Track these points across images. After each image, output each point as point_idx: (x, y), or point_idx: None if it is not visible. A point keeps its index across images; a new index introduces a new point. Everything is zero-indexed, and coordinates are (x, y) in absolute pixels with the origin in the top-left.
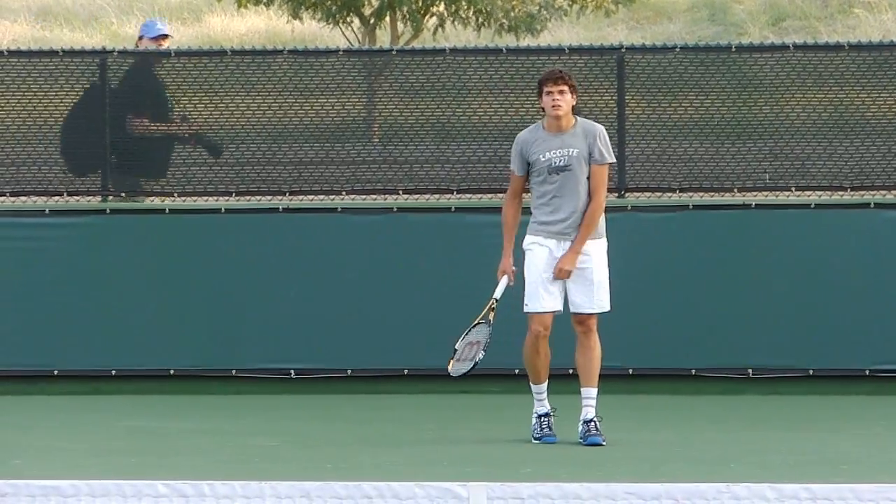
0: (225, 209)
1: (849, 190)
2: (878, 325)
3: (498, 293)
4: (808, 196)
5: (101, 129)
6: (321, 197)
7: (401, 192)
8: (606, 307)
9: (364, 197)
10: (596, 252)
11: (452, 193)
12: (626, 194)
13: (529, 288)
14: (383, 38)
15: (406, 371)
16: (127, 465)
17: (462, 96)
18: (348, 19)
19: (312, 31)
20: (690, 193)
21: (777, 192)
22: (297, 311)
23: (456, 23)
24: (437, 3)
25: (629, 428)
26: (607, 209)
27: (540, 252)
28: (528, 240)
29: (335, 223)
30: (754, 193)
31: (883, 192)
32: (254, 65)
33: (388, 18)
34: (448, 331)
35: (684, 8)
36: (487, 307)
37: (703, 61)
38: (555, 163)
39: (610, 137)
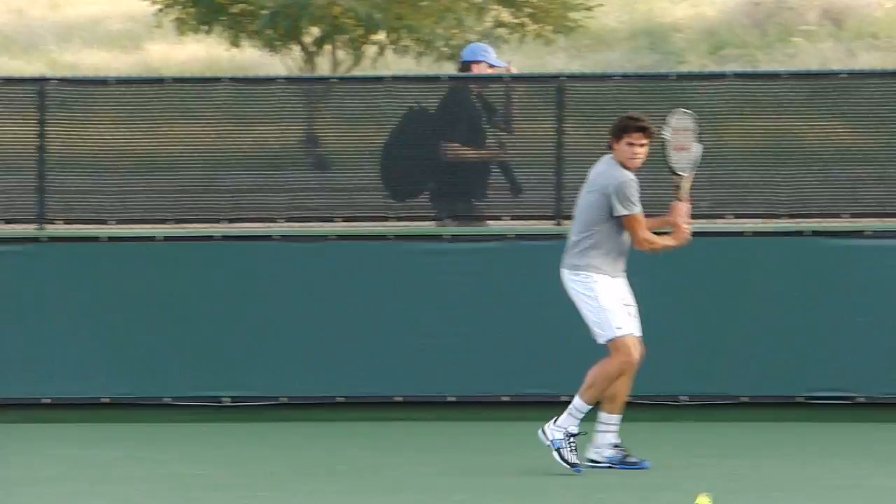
0: (162, 237)
1: (785, 217)
2: (810, 353)
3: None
4: (745, 223)
5: (420, 154)
6: (259, 224)
7: (339, 219)
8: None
9: (302, 224)
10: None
11: (391, 221)
12: (563, 222)
13: (612, 314)
14: (323, 66)
15: (341, 398)
16: (60, 493)
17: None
18: (288, 47)
19: (252, 58)
20: None
21: (714, 220)
22: (232, 338)
23: (396, 51)
24: (378, 31)
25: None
26: (544, 237)
27: (613, 282)
28: (595, 277)
29: (272, 251)
30: (691, 221)
31: (819, 219)
32: (193, 92)
33: (328, 46)
34: (383, 358)
35: (624, 36)
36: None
37: (643, 89)
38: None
39: (548, 165)
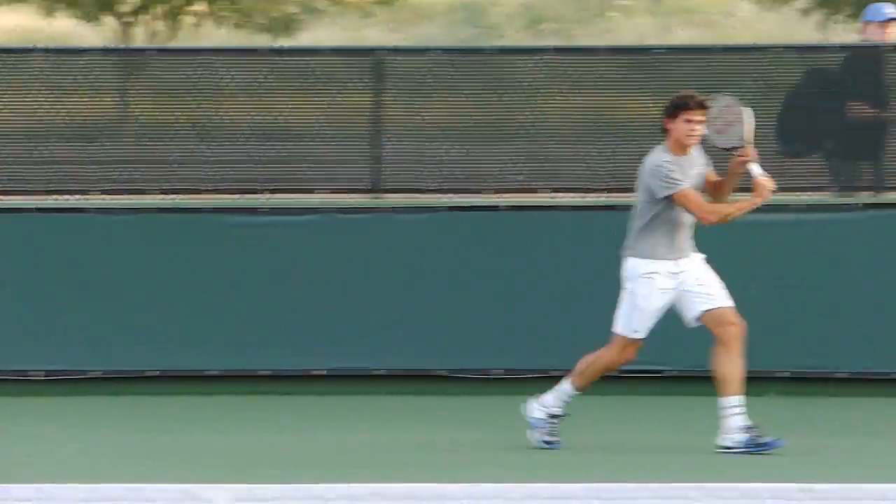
0: None
1: (601, 192)
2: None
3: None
4: (562, 198)
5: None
6: (75, 197)
7: (156, 192)
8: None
9: (117, 196)
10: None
11: (209, 194)
12: (381, 195)
13: (643, 317)
14: (140, 37)
15: (158, 372)
16: None
17: (219, 96)
18: (103, 17)
19: (66, 29)
20: (445, 195)
21: (531, 194)
22: (49, 313)
23: (214, 22)
24: (196, 2)
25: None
26: (364, 210)
27: (661, 282)
28: (649, 266)
29: (87, 223)
30: (508, 195)
31: (632, 194)
32: (6, 63)
33: (145, 16)
34: (205, 330)
35: (442, 10)
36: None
37: (461, 63)
38: (695, 186)
39: (366, 138)
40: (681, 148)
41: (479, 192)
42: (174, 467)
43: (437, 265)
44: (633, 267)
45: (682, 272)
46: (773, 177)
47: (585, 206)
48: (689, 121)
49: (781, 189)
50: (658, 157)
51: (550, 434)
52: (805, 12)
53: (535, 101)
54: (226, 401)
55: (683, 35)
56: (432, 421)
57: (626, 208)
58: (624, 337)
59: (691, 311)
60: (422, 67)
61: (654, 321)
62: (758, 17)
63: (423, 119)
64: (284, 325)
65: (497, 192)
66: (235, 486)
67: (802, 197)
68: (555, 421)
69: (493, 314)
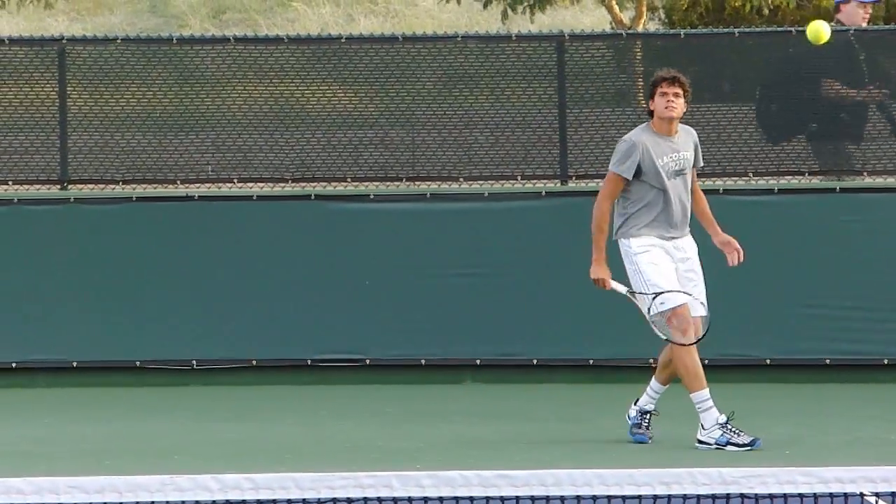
0: None
1: (290, 182)
2: (319, 317)
3: (622, 289)
4: (251, 188)
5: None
6: None
7: (10, 182)
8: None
9: None
10: (693, 244)
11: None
12: (70, 186)
13: (658, 279)
14: None
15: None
16: None
17: None
18: None
19: None
20: (134, 185)
21: (220, 184)
22: None
23: None
24: None
25: (77, 420)
26: (49, 202)
27: (661, 250)
28: (643, 241)
29: None
30: (197, 185)
31: (323, 183)
32: None
33: None
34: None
35: (125, 0)
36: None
37: (146, 53)
38: (671, 167)
39: (52, 129)
40: (663, 126)
41: (168, 182)
42: None
43: (124, 255)
44: (621, 248)
45: (679, 251)
46: None
47: (275, 196)
48: (663, 94)
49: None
50: (628, 135)
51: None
52: (485, 4)
53: (220, 90)
54: None
55: (367, 24)
56: None
57: (320, 198)
58: (663, 315)
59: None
60: (106, 57)
61: (676, 282)
62: (440, 7)
63: (109, 109)
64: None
65: (185, 182)
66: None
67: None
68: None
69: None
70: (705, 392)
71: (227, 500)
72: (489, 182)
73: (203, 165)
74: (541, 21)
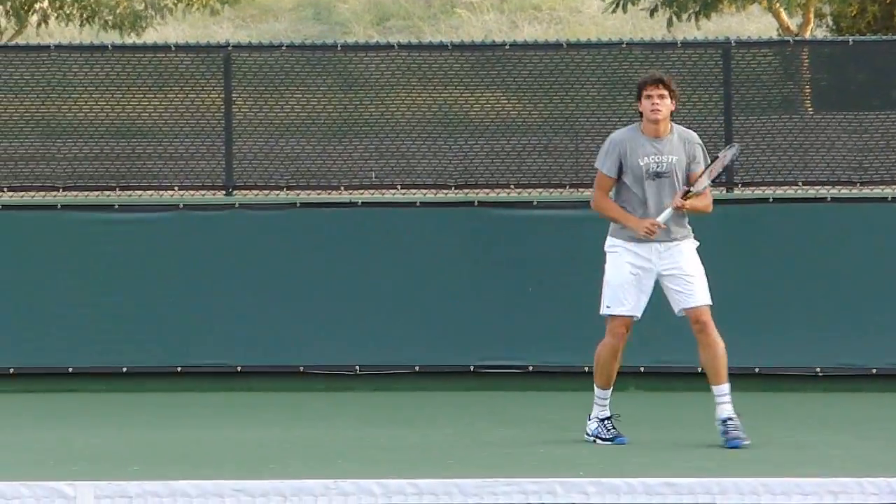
0: None
1: (453, 188)
2: (482, 323)
3: (667, 213)
4: (414, 194)
5: None
6: None
7: (5, 189)
8: (709, 300)
9: None
10: (687, 249)
11: (58, 191)
12: (234, 192)
13: (612, 290)
14: None
15: (11, 371)
16: None
17: (67, 93)
18: None
19: None
20: (298, 191)
21: (383, 191)
22: None
23: (60, 19)
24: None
25: (239, 425)
26: (214, 207)
27: (626, 255)
28: (612, 241)
29: None
30: (361, 191)
31: (486, 190)
32: None
33: None
34: (53, 329)
35: (289, 7)
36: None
37: (310, 60)
38: (652, 168)
39: (217, 135)
40: (650, 127)
41: (332, 189)
42: None
43: (289, 260)
44: (606, 243)
45: (656, 256)
46: None
47: (437, 203)
48: (648, 97)
49: None
50: (617, 131)
51: (609, 432)
52: (652, 12)
53: (384, 97)
54: None
55: (530, 31)
56: None
57: (483, 204)
58: (606, 317)
59: (674, 304)
60: (271, 64)
61: (631, 297)
62: (605, 14)
63: (273, 116)
64: (141, 322)
65: (348, 188)
66: (97, 483)
67: None
68: (608, 423)
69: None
70: (607, 392)
71: None
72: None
73: (367, 172)
74: (706, 28)
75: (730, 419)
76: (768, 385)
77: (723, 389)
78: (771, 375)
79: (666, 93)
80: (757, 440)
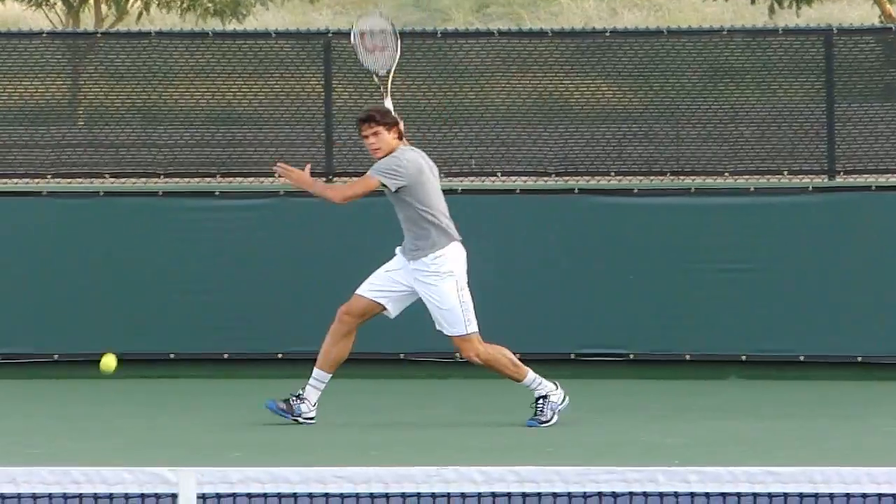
0: None
1: (553, 176)
2: (582, 311)
3: None
4: (514, 181)
5: None
6: (26, 180)
7: (107, 175)
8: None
9: (69, 180)
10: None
11: (159, 177)
12: (337, 179)
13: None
14: (86, 21)
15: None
16: None
17: (168, 80)
18: (51, 1)
19: (15, 13)
20: None
21: (483, 178)
22: (6, 295)
23: (160, 6)
24: None
25: (343, 412)
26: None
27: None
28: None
29: (41, 206)
30: (461, 178)
31: (587, 177)
32: None
33: (91, 1)
34: (153, 315)
35: None
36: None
37: (410, 47)
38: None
39: (318, 122)
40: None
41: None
42: None
43: (389, 249)
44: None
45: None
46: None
47: (537, 190)
48: (364, 137)
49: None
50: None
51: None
52: None
53: (483, 84)
54: None
55: (630, 18)
56: None
57: (583, 191)
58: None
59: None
60: None
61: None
62: (705, 2)
63: (373, 102)
64: (245, 308)
65: (448, 175)
66: (200, 469)
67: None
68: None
69: None
70: (324, 374)
71: (492, 493)
72: (755, 177)
73: (466, 159)
74: (807, 15)
75: None
76: (869, 374)
77: None
78: (872, 364)
79: (379, 128)
80: (859, 429)
